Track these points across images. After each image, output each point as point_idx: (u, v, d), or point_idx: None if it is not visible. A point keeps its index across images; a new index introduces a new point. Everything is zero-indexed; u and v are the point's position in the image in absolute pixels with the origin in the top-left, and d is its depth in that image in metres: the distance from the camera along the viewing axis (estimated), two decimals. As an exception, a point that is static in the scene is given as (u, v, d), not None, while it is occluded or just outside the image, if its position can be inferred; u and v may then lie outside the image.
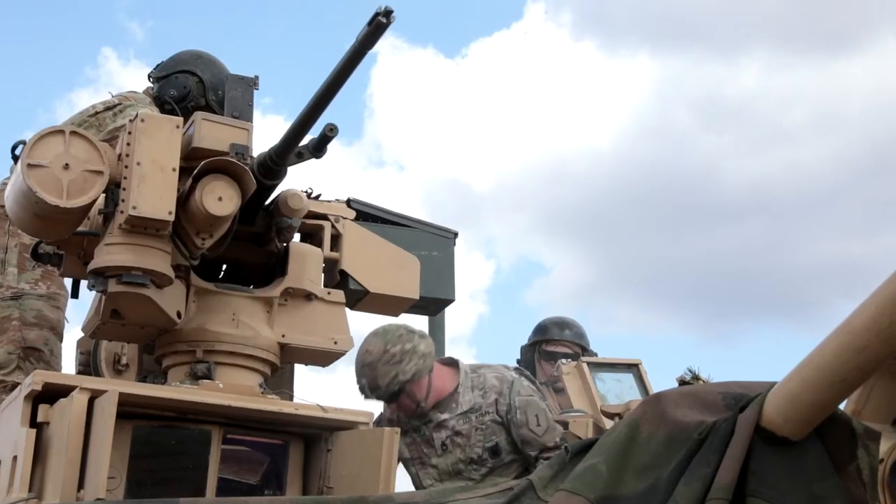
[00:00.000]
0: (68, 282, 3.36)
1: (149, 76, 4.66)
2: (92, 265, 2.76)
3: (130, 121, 2.78)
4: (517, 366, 4.58)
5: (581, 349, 5.49)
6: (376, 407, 4.35)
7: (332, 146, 2.90)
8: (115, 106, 4.41)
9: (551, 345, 5.48)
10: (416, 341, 3.94)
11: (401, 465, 3.95)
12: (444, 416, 4.07)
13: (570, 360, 5.29)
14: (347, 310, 3.13)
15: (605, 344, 5.67)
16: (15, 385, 3.58)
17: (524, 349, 5.56)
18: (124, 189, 2.67)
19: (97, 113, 4.38)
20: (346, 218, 3.16)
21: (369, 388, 4.09)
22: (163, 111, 4.37)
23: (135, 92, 4.56)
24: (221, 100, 4.46)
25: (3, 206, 4.21)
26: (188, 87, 4.45)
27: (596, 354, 5.48)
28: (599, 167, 19.05)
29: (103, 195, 2.70)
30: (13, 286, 4.20)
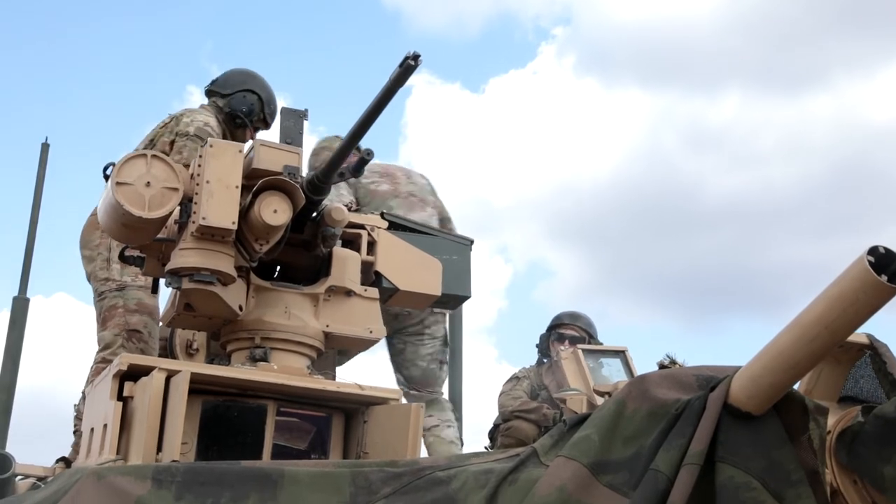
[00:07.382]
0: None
1: (207, 92, 4.68)
2: (169, 266, 2.78)
3: (202, 146, 2.80)
4: None
5: (588, 336, 5.49)
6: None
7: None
8: (170, 122, 4.45)
9: (563, 328, 5.51)
10: None
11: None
12: None
13: (572, 344, 5.27)
14: (380, 304, 3.14)
15: (600, 334, 5.65)
16: (119, 362, 3.60)
17: (542, 336, 5.57)
18: (195, 203, 2.69)
19: (166, 125, 4.44)
20: (380, 228, 3.17)
21: None
22: (234, 123, 4.53)
23: (190, 108, 4.59)
24: (272, 112, 4.60)
25: (98, 216, 4.25)
26: (253, 105, 4.62)
27: (601, 343, 5.47)
28: (599, 185, 18.96)
29: (178, 208, 2.72)
30: (117, 279, 4.22)
